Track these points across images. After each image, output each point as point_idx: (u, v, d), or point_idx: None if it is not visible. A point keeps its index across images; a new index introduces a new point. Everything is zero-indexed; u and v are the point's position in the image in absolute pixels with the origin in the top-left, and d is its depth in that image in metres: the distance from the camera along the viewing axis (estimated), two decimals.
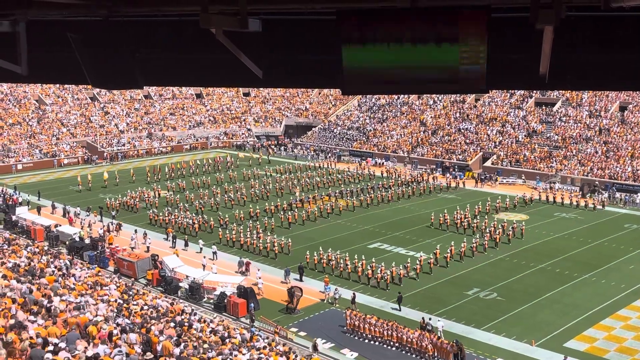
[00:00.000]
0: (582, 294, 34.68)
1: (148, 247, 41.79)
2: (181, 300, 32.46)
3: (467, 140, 76.37)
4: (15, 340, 13.32)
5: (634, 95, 72.73)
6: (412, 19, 4.59)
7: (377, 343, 28.91)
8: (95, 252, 39.47)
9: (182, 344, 17.81)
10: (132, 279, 35.94)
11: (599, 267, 38.89)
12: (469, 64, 4.62)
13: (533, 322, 31.02)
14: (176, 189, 60.06)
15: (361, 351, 28.17)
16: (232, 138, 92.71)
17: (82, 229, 44.96)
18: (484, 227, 45.67)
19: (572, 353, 27.44)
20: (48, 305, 17.76)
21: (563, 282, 36.30)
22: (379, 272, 35.54)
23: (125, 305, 22.18)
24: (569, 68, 5.27)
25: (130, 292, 26.44)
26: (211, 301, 33.39)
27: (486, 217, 49.07)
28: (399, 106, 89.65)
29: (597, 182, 60.83)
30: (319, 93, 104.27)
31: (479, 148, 74.41)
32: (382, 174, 67.68)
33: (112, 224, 46.67)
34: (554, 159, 68.10)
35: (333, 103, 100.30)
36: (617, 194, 58.40)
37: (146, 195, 56.14)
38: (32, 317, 16.08)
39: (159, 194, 56.81)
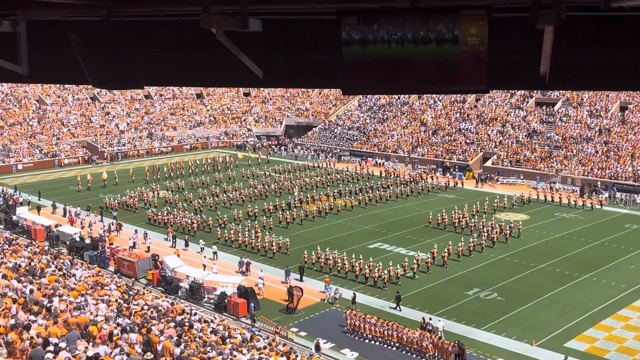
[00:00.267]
0: (583, 294, 34.68)
1: (148, 247, 41.80)
2: (182, 300, 32.46)
3: (468, 140, 76.36)
4: (16, 340, 13.33)
5: (634, 95, 72.72)
6: (413, 19, 4.59)
7: (377, 343, 28.92)
8: (96, 252, 39.47)
9: (183, 344, 17.81)
10: (133, 279, 35.93)
11: (599, 267, 38.89)
12: (470, 64, 4.63)
13: (533, 322, 31.02)
14: (175, 189, 60.12)
15: (361, 351, 28.17)
16: (232, 138, 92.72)
17: (82, 228, 44.98)
18: (481, 226, 45.71)
19: (572, 353, 27.44)
20: (48, 305, 17.76)
21: (563, 282, 36.29)
22: (376, 271, 35.59)
23: (125, 305, 22.17)
24: (569, 68, 5.27)
25: (131, 292, 26.43)
26: (212, 301, 33.40)
27: (484, 217, 49.05)
28: (399, 106, 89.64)
29: (598, 183, 60.81)
30: (320, 93, 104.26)
31: (479, 148, 74.40)
32: (380, 174, 67.72)
33: (113, 224, 46.69)
34: (554, 159, 68.08)
35: (333, 103, 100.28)
36: (618, 194, 58.40)
37: (145, 195, 56.21)
38: (32, 317, 16.08)
39: (158, 194, 56.87)
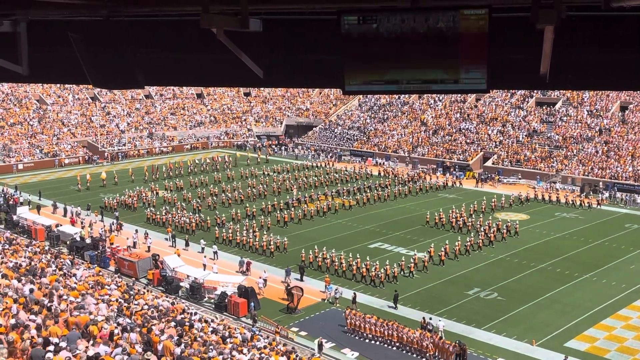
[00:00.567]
0: (583, 294, 34.68)
1: (149, 247, 41.81)
2: (182, 300, 32.47)
3: (468, 140, 76.35)
4: (17, 339, 13.34)
5: (634, 95, 72.70)
6: (413, 19, 4.60)
7: (377, 343, 28.92)
8: (96, 252, 39.48)
9: (183, 344, 17.82)
10: (133, 278, 35.95)
11: (599, 266, 38.89)
12: (470, 64, 4.63)
13: (534, 321, 31.02)
14: (174, 188, 60.14)
15: (362, 351, 28.17)
16: (232, 138, 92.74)
17: (82, 228, 44.99)
18: (479, 226, 45.71)
19: (572, 353, 27.44)
20: (49, 304, 17.77)
21: (564, 282, 36.29)
22: (373, 270, 35.63)
23: (126, 305, 22.18)
24: (569, 68, 5.27)
25: (131, 292, 26.44)
26: (212, 301, 33.41)
27: (481, 216, 49.01)
28: (399, 106, 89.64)
29: (600, 183, 60.79)
30: (320, 93, 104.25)
31: (479, 148, 74.39)
32: (379, 174, 67.73)
33: (114, 224, 46.70)
34: (554, 158, 68.07)
35: (334, 103, 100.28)
36: (618, 194, 58.40)
37: (144, 195, 56.25)
38: (32, 317, 16.09)
39: (157, 193, 56.89)
